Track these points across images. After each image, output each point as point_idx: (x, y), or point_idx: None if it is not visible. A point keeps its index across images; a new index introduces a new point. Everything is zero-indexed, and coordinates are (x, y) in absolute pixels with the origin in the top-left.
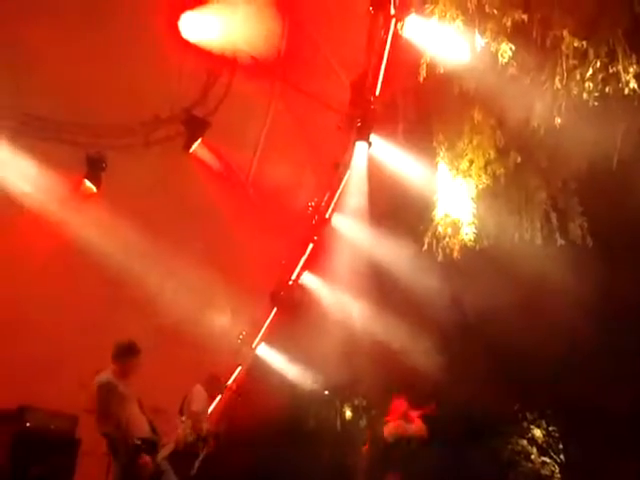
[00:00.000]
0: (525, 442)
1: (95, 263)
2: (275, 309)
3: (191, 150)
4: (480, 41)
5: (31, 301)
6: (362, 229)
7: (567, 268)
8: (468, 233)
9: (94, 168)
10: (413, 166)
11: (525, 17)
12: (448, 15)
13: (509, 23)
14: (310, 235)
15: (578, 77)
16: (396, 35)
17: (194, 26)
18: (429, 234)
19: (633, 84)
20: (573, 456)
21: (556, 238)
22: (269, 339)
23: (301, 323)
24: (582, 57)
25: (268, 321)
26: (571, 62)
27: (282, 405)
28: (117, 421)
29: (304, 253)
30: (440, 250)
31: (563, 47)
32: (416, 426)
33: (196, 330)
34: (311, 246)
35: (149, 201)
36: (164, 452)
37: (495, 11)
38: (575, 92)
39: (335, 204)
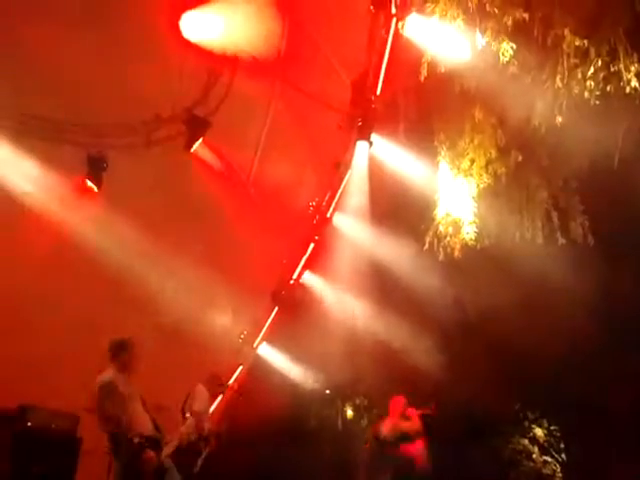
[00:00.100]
0: (526, 441)
1: (96, 262)
2: (276, 308)
3: (192, 150)
4: (481, 40)
5: (32, 300)
6: (363, 228)
7: (568, 267)
8: (469, 232)
9: (95, 168)
10: (414, 165)
11: (526, 16)
12: (449, 14)
13: (510, 22)
14: (311, 234)
15: (579, 76)
16: (397, 34)
17: (195, 26)
18: (430, 233)
19: (634, 83)
20: (574, 455)
21: (557, 237)
22: (270, 338)
23: (302, 322)
24: (583, 56)
25: (269, 320)
26: (572, 61)
27: (283, 404)
28: (118, 420)
29: (305, 252)
30: (441, 249)
31: (564, 46)
32: (411, 424)
33: (197, 329)
34: (312, 245)
35: (150, 200)
36: (167, 450)
37: (496, 10)
38: (576, 91)
39: (336, 203)
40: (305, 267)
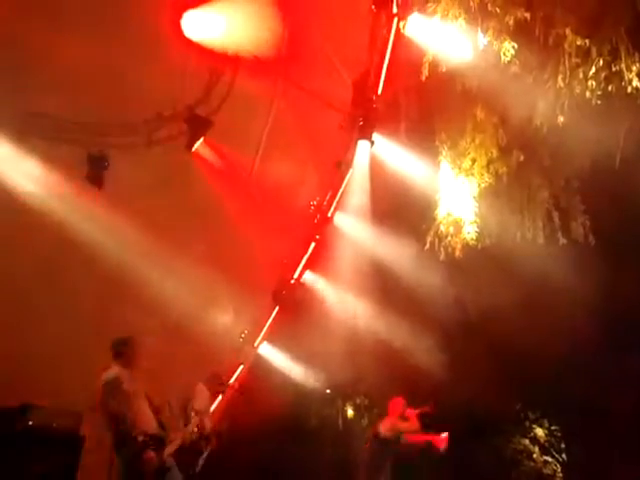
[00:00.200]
0: (527, 441)
1: (97, 262)
2: (277, 308)
3: (193, 149)
4: (482, 39)
5: (34, 299)
6: (364, 228)
7: (569, 267)
8: (470, 232)
9: (96, 167)
10: (415, 165)
11: (527, 15)
12: (450, 13)
13: (511, 21)
14: (312, 234)
15: (581, 75)
16: (398, 34)
17: (197, 25)
18: (431, 233)
19: (636, 82)
20: (575, 456)
21: (558, 237)
22: (271, 338)
23: (303, 322)
24: (585, 55)
25: (270, 320)
26: (574, 60)
27: (284, 404)
28: (122, 418)
29: (306, 252)
30: (442, 249)
31: (566, 45)
32: (409, 424)
33: (198, 328)
34: (313, 245)
35: (151, 200)
36: (170, 448)
37: (497, 9)
38: (578, 90)
39: (337, 203)
40: (306, 266)
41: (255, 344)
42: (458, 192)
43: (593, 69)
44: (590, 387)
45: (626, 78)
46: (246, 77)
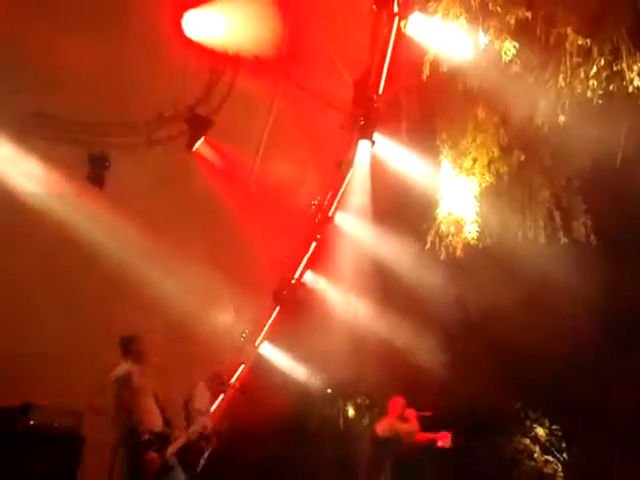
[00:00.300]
0: (528, 441)
1: (98, 261)
2: (278, 307)
3: (194, 149)
4: (483, 39)
5: (34, 299)
6: (365, 227)
7: (571, 267)
8: (471, 231)
9: (97, 167)
10: (416, 164)
11: (529, 15)
12: (451, 13)
13: (513, 21)
14: (313, 233)
15: (582, 75)
16: (399, 33)
17: (197, 24)
18: (432, 232)
19: (637, 82)
20: (576, 456)
21: (559, 236)
22: (272, 337)
23: (304, 322)
24: (586, 55)
25: (271, 319)
26: (575, 60)
27: (285, 403)
28: (129, 414)
29: (307, 252)
30: (443, 248)
31: (567, 45)
32: (409, 425)
33: (199, 328)
34: (314, 245)
35: (152, 200)
36: (173, 447)
37: (499, 9)
38: (579, 90)
39: (338, 202)
40: (307, 266)
41: (256, 344)
42: (459, 192)
43: (594, 68)
44: (591, 387)
45: (627, 78)
46: (247, 77)
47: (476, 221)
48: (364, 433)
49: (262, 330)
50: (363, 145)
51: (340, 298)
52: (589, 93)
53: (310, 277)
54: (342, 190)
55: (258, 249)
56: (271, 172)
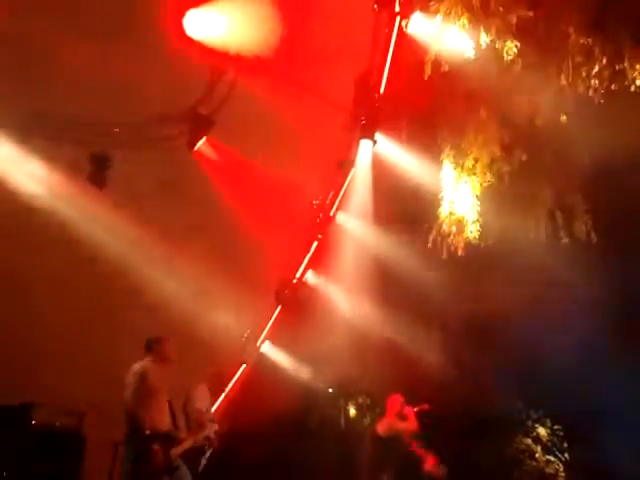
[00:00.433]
0: (529, 441)
1: (100, 261)
2: (279, 307)
3: (195, 148)
4: (485, 38)
5: (36, 298)
6: (367, 227)
7: (572, 266)
8: (473, 231)
9: (99, 167)
10: (418, 164)
11: (530, 14)
12: (453, 12)
13: (514, 20)
14: (314, 233)
15: (584, 74)
16: (401, 33)
17: (199, 24)
18: (434, 232)
19: (639, 81)
20: (577, 455)
21: (561, 236)
22: (273, 337)
23: (305, 321)
24: (588, 54)
25: (273, 319)
26: (577, 59)
27: (286, 403)
28: (135, 411)
29: (308, 251)
30: (445, 248)
31: (569, 44)
32: (408, 423)
33: (200, 328)
34: (315, 244)
35: (153, 199)
36: (179, 449)
37: (500, 8)
38: (581, 89)
39: (340, 202)
40: (308, 266)
41: (257, 343)
42: (460, 191)
43: (596, 68)
44: (592, 387)
45: (629, 77)
46: (248, 76)
47: (477, 220)
48: (365, 432)
49: (263, 330)
50: (364, 145)
51: (341, 298)
52: (591, 92)
53: (312, 277)
54: (344, 190)
55: (259, 248)
56: (272, 172)
